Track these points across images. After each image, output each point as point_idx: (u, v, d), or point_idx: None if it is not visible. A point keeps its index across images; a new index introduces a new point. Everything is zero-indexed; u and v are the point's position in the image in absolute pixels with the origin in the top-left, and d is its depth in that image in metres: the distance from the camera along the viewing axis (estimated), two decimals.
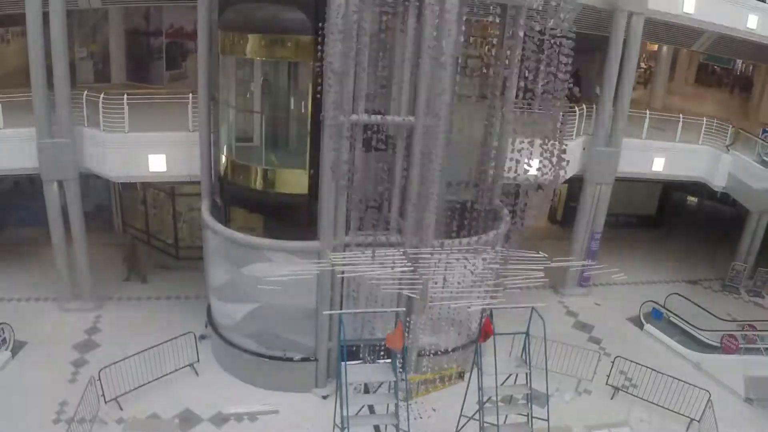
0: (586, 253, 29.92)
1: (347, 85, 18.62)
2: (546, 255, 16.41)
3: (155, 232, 33.19)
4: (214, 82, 22.85)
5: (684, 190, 40.47)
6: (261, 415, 22.00)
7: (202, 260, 24.87)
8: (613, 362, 24.37)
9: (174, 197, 31.53)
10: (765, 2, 30.93)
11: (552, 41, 15.65)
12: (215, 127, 23.30)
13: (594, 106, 28.46)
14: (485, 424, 18.64)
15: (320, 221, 21.03)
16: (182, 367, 23.24)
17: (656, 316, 29.02)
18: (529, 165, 16.66)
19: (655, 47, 43.49)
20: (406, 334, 18.10)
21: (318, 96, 18.98)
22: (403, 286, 16.93)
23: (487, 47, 21.69)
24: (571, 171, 25.22)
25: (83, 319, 26.36)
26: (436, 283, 17.81)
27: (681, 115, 30.53)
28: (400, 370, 17.88)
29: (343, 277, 20.61)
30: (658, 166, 30.56)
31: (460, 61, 20.29)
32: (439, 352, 21.15)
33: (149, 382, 22.17)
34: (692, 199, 41.98)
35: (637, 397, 23.60)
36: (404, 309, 19.52)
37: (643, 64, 44.45)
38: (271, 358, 22.94)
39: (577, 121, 27.56)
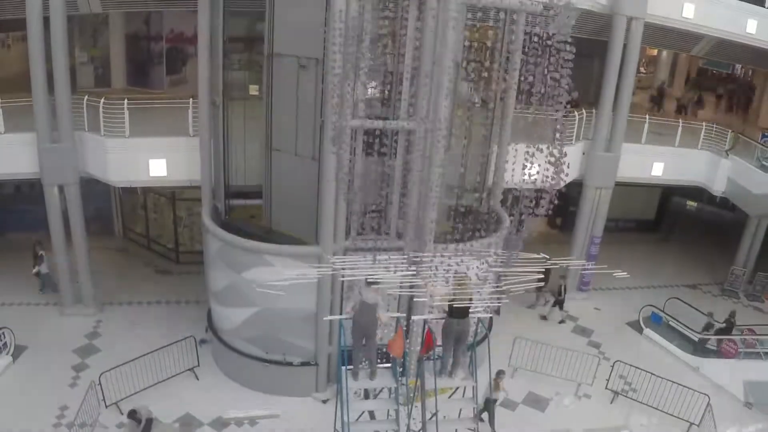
0: (585, 257, 29.93)
1: (348, 89, 18.65)
2: (546, 256, 16.44)
3: (155, 237, 33.24)
4: (214, 87, 22.92)
5: (683, 194, 40.50)
6: (261, 420, 22.03)
7: (202, 265, 24.91)
8: (612, 366, 24.39)
9: (174, 202, 31.57)
10: (765, 6, 31.01)
11: (552, 46, 15.69)
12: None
13: (593, 110, 28.54)
14: None
15: (320, 225, 21.07)
16: (182, 372, 23.28)
17: (655, 320, 29.08)
18: (530, 169, 16.70)
19: (655, 52, 43.56)
20: (407, 340, 18.07)
21: None
22: (405, 289, 16.92)
23: (487, 52, 21.76)
24: (571, 176, 25.26)
25: (84, 324, 26.39)
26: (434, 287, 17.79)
27: (680, 120, 30.62)
28: (401, 375, 17.85)
29: (343, 281, 20.61)
30: (658, 170, 30.64)
31: (460, 65, 20.37)
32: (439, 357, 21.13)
33: (150, 387, 22.20)
34: (692, 204, 41.99)
35: (636, 401, 23.64)
36: (404, 314, 19.49)
37: (642, 69, 44.46)
38: (271, 362, 22.93)
39: (576, 126, 27.62)
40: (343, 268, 17.48)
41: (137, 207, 33.55)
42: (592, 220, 30.12)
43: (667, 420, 23.00)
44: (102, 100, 23.65)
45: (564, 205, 33.37)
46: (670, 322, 28.66)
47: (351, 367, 17.19)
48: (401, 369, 17.75)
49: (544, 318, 29.02)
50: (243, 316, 22.56)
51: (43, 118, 23.48)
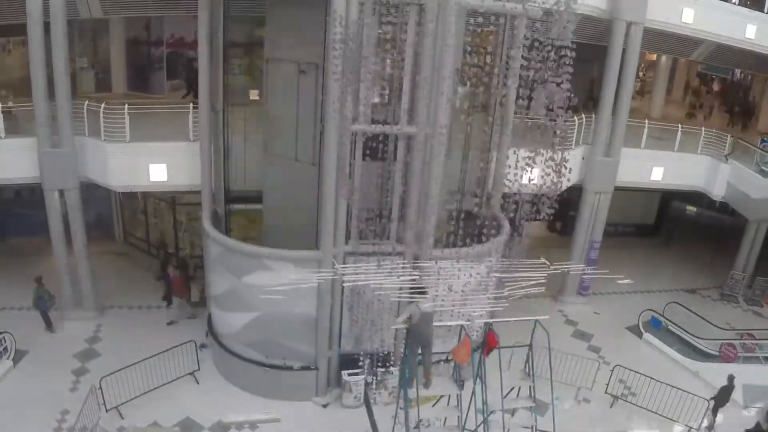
0: (585, 262, 29.96)
1: (348, 94, 18.70)
2: (546, 262, 16.46)
3: (156, 242, 33.24)
4: (214, 92, 22.99)
5: (683, 199, 40.53)
6: (261, 424, 22.05)
7: (202, 269, 24.93)
8: (612, 371, 24.43)
9: (174, 206, 31.59)
10: (764, 12, 31.08)
11: (552, 51, 15.74)
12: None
13: (593, 115, 28.60)
14: None
15: (321, 230, 21.10)
16: (183, 376, 23.30)
17: (655, 325, 29.10)
18: (530, 174, 16.75)
19: (654, 57, 43.61)
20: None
21: None
22: (407, 294, 16.94)
23: (487, 57, 21.80)
24: (570, 180, 25.29)
25: (84, 328, 26.41)
26: (437, 293, 17.82)
27: (680, 125, 30.69)
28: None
29: (343, 286, 20.65)
30: (657, 175, 30.69)
31: (460, 70, 20.42)
32: (441, 361, 21.16)
33: (150, 391, 22.22)
34: (691, 209, 42.03)
35: (636, 405, 23.66)
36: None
37: (641, 74, 44.53)
38: (271, 366, 22.96)
39: (576, 131, 27.68)
40: (345, 273, 17.52)
41: (138, 211, 33.55)
42: (592, 225, 30.16)
43: (666, 424, 23.03)
44: (102, 105, 23.70)
45: (564, 210, 33.47)
46: (670, 327, 28.68)
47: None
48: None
49: None
50: (243, 320, 22.59)
51: (44, 123, 23.50)
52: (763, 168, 29.64)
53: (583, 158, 29.03)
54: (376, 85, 19.11)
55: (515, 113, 22.30)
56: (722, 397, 23.38)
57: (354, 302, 21.12)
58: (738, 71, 46.95)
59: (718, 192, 31.02)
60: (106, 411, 21.33)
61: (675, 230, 40.88)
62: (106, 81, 33.12)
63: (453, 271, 17.18)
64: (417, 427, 16.59)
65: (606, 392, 24.16)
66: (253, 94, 26.41)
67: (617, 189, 29.95)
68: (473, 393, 18.01)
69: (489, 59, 21.22)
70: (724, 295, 33.59)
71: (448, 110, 19.08)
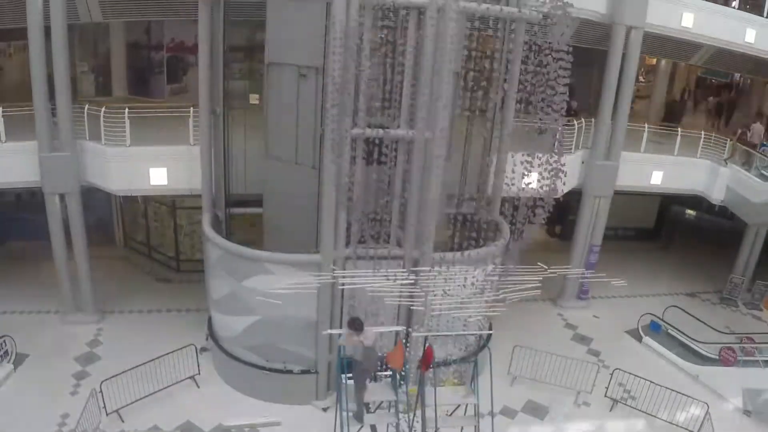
0: (584, 265, 29.95)
1: (348, 98, 18.75)
2: (545, 266, 16.51)
3: (156, 245, 33.30)
4: (214, 96, 23.03)
5: (682, 203, 40.56)
6: (262, 428, 22.03)
7: (202, 273, 24.97)
8: (611, 374, 24.42)
9: (175, 210, 31.65)
10: (763, 16, 31.11)
11: (551, 55, 15.82)
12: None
13: (593, 119, 28.62)
14: None
15: (321, 234, 21.14)
16: (183, 380, 23.33)
17: (655, 328, 29.10)
18: (529, 178, 16.82)
19: (654, 61, 43.64)
20: (407, 350, 18.08)
21: None
22: (405, 298, 17.00)
23: (486, 61, 21.86)
24: (569, 184, 25.35)
25: (85, 332, 26.43)
26: (435, 295, 17.87)
27: (679, 129, 30.72)
28: (401, 383, 17.84)
29: (343, 290, 20.68)
30: (657, 179, 30.70)
31: (459, 74, 20.49)
32: (439, 365, 21.19)
33: (150, 395, 22.25)
34: (690, 213, 42.04)
35: (635, 409, 23.67)
36: (405, 327, 19.50)
37: (641, 78, 44.55)
38: (271, 370, 22.99)
39: (575, 135, 27.71)
40: (344, 277, 17.58)
41: (138, 215, 33.60)
42: (592, 229, 30.17)
43: (666, 428, 23.03)
44: (103, 109, 23.73)
45: (563, 214, 33.59)
46: (670, 331, 28.69)
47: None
48: (401, 381, 17.71)
49: None
50: (243, 324, 22.61)
51: (44, 127, 23.54)
52: (763, 172, 29.64)
53: (582, 162, 29.04)
54: (376, 89, 19.18)
55: (515, 117, 22.32)
56: None
57: (351, 307, 21.20)
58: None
59: (717, 196, 31.01)
60: (107, 415, 21.33)
61: (674, 234, 40.92)
62: (106, 85, 33.11)
63: (451, 275, 17.24)
64: None
65: (605, 396, 24.13)
66: (254, 98, 26.45)
67: (617, 193, 29.98)
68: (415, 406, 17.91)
69: (488, 63, 21.27)
70: (724, 298, 33.60)
71: (447, 114, 19.18)
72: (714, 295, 34.11)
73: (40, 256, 29.72)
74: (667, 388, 23.24)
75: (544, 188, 16.85)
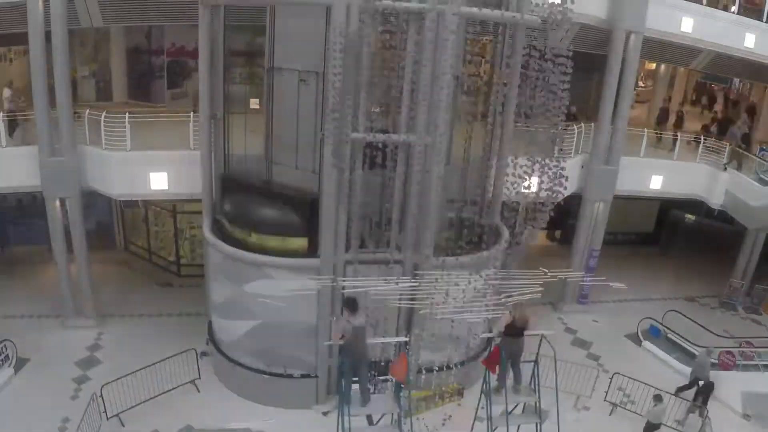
0: (584, 270, 29.93)
1: (348, 102, 18.78)
2: (545, 270, 16.51)
3: (157, 250, 33.34)
4: (214, 101, 23.07)
5: (682, 207, 40.55)
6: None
7: (203, 277, 25.00)
8: (611, 379, 24.48)
9: (175, 215, 31.69)
10: (762, 21, 31.18)
11: (551, 59, 15.84)
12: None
13: (593, 123, 28.67)
14: None
15: (321, 238, 21.17)
16: (183, 384, 23.34)
17: (654, 333, 29.13)
18: (529, 182, 16.86)
19: (653, 66, 43.70)
20: (411, 359, 18.04)
21: None
22: (406, 301, 16.99)
23: (486, 65, 21.90)
24: (569, 189, 25.38)
25: (85, 336, 26.47)
26: (434, 300, 17.85)
27: (679, 134, 30.76)
28: (403, 386, 17.78)
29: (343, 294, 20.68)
30: (656, 184, 30.74)
31: (459, 78, 20.53)
32: (441, 368, 21.16)
33: (151, 399, 22.24)
34: (690, 217, 42.05)
35: (635, 413, 23.67)
36: (407, 339, 19.46)
37: (641, 83, 44.64)
38: (271, 374, 23.01)
39: (575, 140, 27.75)
40: (344, 279, 17.58)
41: (138, 220, 33.65)
42: (591, 233, 30.21)
43: (665, 431, 23.07)
44: (103, 114, 23.81)
45: (563, 218, 33.58)
46: (669, 335, 28.72)
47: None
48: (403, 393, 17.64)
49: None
50: (244, 328, 22.64)
51: (45, 132, 23.62)
52: (762, 176, 29.68)
53: (582, 167, 29.07)
54: (377, 94, 19.23)
55: (515, 122, 22.34)
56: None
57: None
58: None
59: (716, 200, 31.03)
60: (107, 419, 21.36)
61: (674, 238, 40.89)
62: (107, 90, 33.19)
63: (452, 279, 17.23)
64: None
65: (605, 400, 24.17)
66: (254, 103, 26.48)
67: (616, 197, 30.01)
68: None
69: (488, 68, 21.34)
70: (723, 303, 33.61)
71: (447, 119, 19.22)
72: (713, 300, 34.10)
73: (41, 261, 29.81)
74: (666, 392, 23.26)
75: (545, 193, 16.88)
